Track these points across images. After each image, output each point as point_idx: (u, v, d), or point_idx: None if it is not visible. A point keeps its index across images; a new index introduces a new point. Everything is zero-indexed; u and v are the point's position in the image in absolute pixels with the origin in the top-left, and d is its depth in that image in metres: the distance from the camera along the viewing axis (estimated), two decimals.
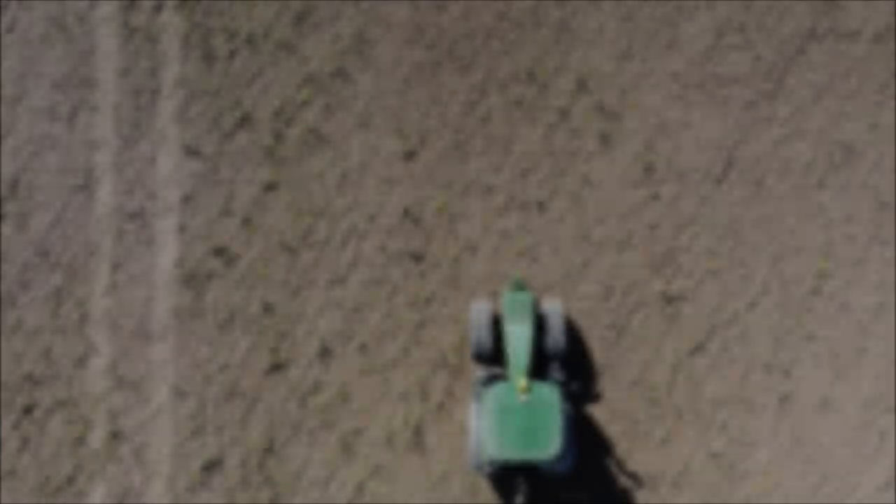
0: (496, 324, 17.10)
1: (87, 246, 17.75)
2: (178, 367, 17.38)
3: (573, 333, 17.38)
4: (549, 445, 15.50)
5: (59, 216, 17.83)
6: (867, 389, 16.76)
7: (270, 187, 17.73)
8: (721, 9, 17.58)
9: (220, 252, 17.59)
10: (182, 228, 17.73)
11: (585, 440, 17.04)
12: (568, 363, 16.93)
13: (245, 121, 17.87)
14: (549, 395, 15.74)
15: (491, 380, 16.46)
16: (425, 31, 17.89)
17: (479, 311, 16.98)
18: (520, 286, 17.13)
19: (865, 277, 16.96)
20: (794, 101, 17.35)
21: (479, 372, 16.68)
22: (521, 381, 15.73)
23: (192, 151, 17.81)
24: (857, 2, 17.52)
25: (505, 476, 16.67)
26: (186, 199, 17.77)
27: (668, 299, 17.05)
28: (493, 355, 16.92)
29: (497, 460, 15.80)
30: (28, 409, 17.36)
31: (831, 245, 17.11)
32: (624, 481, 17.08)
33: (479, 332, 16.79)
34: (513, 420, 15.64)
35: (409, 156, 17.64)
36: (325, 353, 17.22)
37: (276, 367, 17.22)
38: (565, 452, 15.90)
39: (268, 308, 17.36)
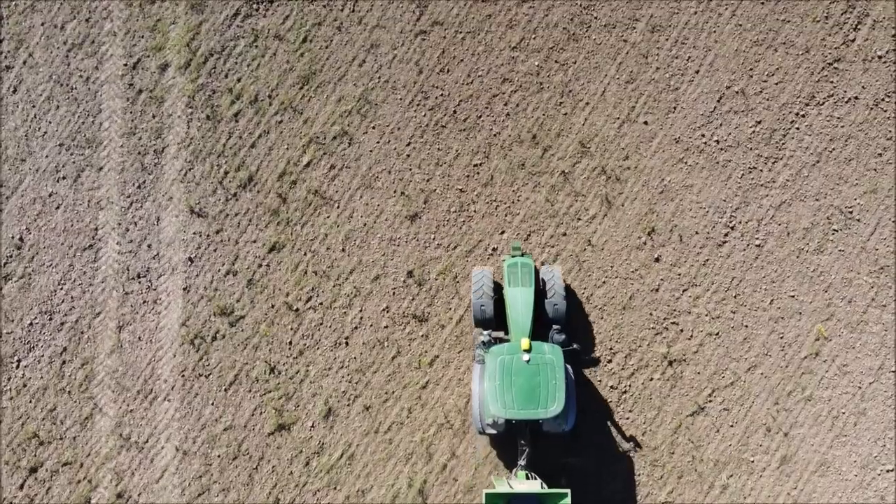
0: (497, 290, 19.34)
1: (92, 306, 19.84)
2: (183, 428, 19.43)
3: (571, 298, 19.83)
4: (551, 404, 17.91)
5: (64, 276, 19.91)
6: (866, 451, 18.87)
7: (275, 248, 19.82)
8: (722, 74, 19.66)
9: (224, 312, 19.65)
10: (187, 289, 19.81)
11: (583, 405, 19.54)
12: (567, 327, 19.34)
13: (250, 182, 19.97)
14: (551, 355, 18.17)
15: (493, 343, 18.75)
16: (429, 94, 20.04)
17: (481, 277, 19.36)
18: (520, 252, 19.33)
19: (864, 340, 19.10)
20: (794, 166, 19.53)
21: (482, 336, 18.96)
22: (524, 341, 17.97)
23: (196, 212, 19.88)
24: (856, 68, 19.55)
25: (507, 437, 18.94)
26: (191, 260, 19.84)
27: (670, 361, 19.07)
28: (495, 321, 19.36)
29: (501, 420, 18.14)
30: (33, 470, 19.46)
31: (831, 308, 19.11)
32: (622, 445, 19.36)
33: (481, 298, 19.06)
34: (516, 380, 18.06)
35: (413, 217, 19.74)
36: (329, 414, 19.29)
37: (281, 428, 19.25)
38: (567, 412, 18.29)
39: (272, 369, 19.43)
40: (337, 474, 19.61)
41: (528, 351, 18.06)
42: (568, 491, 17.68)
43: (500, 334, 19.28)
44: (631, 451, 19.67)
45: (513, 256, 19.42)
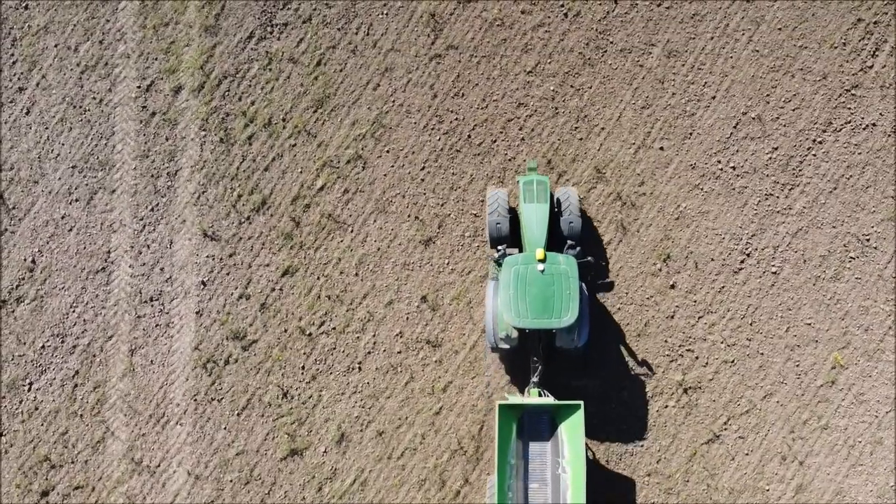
0: (512, 212, 20.41)
1: (104, 329, 20.56)
2: (195, 452, 20.15)
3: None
4: (565, 314, 18.78)
5: (76, 299, 20.62)
6: (882, 481, 19.60)
7: (288, 272, 20.51)
8: (738, 100, 20.33)
9: (237, 336, 20.35)
10: (200, 312, 20.53)
11: (595, 329, 20.40)
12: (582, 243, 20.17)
13: (263, 205, 20.68)
14: (566, 266, 19.08)
15: (508, 255, 19.65)
16: (444, 118, 20.75)
17: (496, 197, 20.33)
18: (536, 172, 20.42)
19: (881, 369, 19.78)
20: (811, 193, 20.17)
21: (496, 252, 19.91)
22: (539, 252, 19.01)
23: (209, 235, 20.59)
24: (873, 94, 20.20)
25: (520, 357, 19.87)
26: (204, 283, 20.54)
27: (685, 389, 19.71)
28: (510, 239, 20.29)
29: (514, 334, 19.05)
30: (45, 493, 20.24)
31: (847, 336, 19.77)
32: (634, 369, 20.25)
33: (497, 217, 20.11)
34: (530, 289, 18.93)
35: (427, 242, 20.47)
36: (342, 439, 20.01)
37: (294, 453, 19.96)
38: (580, 325, 19.31)
39: (285, 393, 20.13)
40: (349, 500, 20.27)
41: (543, 261, 18.92)
42: (581, 403, 18.67)
43: (515, 251, 20.02)
44: (643, 375, 20.39)
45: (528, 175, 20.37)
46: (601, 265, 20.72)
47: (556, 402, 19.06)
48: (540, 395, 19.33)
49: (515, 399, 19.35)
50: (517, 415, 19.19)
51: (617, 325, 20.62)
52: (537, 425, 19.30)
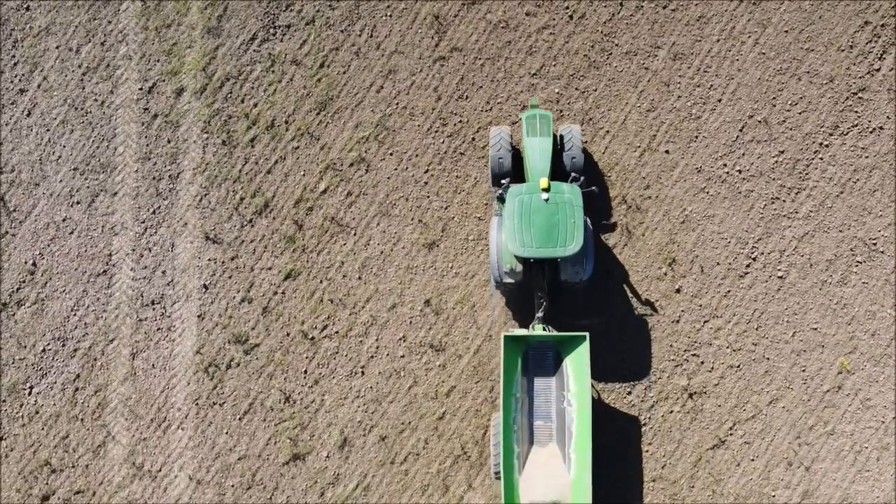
0: (516, 150, 20.88)
1: (105, 333, 20.81)
2: (197, 457, 20.40)
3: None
4: (569, 242, 19.22)
5: (77, 302, 20.88)
6: (889, 487, 19.83)
7: (291, 275, 20.77)
8: (744, 103, 20.58)
9: (239, 340, 20.61)
10: (201, 316, 20.80)
11: (598, 268, 20.84)
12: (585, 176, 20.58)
13: (265, 208, 20.93)
14: (570, 195, 19.49)
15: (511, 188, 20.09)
16: (448, 120, 21.04)
17: (500, 135, 20.78)
18: (538, 108, 20.88)
19: (888, 374, 20.05)
20: (817, 197, 20.42)
21: (500, 189, 20.28)
22: (543, 181, 19.47)
23: (211, 238, 20.84)
24: (880, 98, 20.46)
25: (524, 294, 20.21)
26: (206, 287, 20.80)
27: (690, 394, 19.97)
28: (512, 175, 20.73)
29: (518, 267, 19.42)
30: (45, 498, 20.51)
31: (854, 341, 20.02)
32: (638, 308, 20.68)
33: (500, 152, 20.51)
34: (534, 218, 19.39)
35: (431, 246, 20.73)
36: (344, 444, 20.27)
37: (296, 458, 20.22)
38: (585, 258, 19.64)
39: (287, 398, 20.37)
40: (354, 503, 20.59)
41: (547, 190, 19.32)
42: (586, 334, 19.10)
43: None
44: (648, 315, 20.70)
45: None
46: (599, 197, 21.04)
47: (562, 333, 19.49)
48: (545, 330, 19.69)
49: (520, 331, 19.71)
50: (522, 349, 19.55)
51: (621, 266, 20.95)
52: (542, 361, 19.66)
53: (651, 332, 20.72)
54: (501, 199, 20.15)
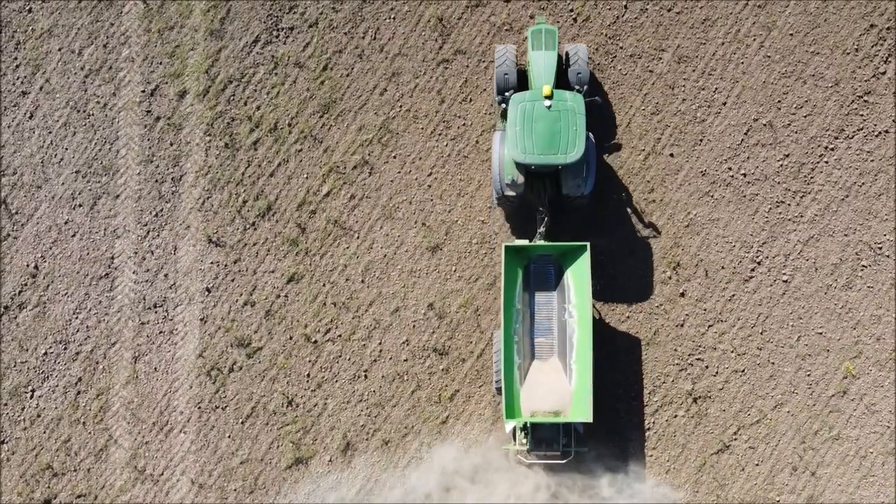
0: (521, 70, 21.29)
1: (107, 336, 21.17)
2: (199, 461, 20.78)
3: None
4: (571, 150, 19.67)
5: (79, 305, 21.25)
6: (893, 492, 19.88)
7: (294, 279, 21.13)
8: (749, 106, 20.89)
9: (242, 344, 20.99)
10: (204, 319, 21.16)
11: (600, 189, 21.24)
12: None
13: (268, 211, 21.30)
14: (573, 102, 19.95)
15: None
16: (451, 123, 21.38)
17: (505, 52, 21.21)
18: (545, 23, 21.30)
19: (892, 379, 20.34)
20: (823, 201, 20.76)
21: (503, 104, 20.75)
22: (546, 88, 19.92)
23: (214, 241, 21.21)
24: (886, 101, 20.76)
25: (526, 204, 20.75)
26: (208, 290, 21.16)
27: (695, 398, 20.28)
28: (517, 89, 20.97)
29: (520, 179, 19.77)
30: (47, 502, 21.01)
31: (859, 346, 20.35)
32: (640, 229, 21.33)
33: (504, 68, 20.95)
34: (536, 125, 19.82)
35: (434, 249, 21.07)
36: (347, 448, 20.47)
37: (299, 462, 20.64)
38: (587, 172, 20.03)
39: (290, 401, 20.76)
40: None
41: (550, 97, 19.74)
42: (587, 244, 19.61)
43: None
44: (649, 236, 21.15)
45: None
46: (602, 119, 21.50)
47: (563, 243, 20.02)
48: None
49: (522, 241, 20.23)
50: (523, 263, 20.07)
51: (625, 187, 21.36)
52: (543, 275, 20.20)
53: (655, 346, 21.07)
54: (504, 116, 20.53)
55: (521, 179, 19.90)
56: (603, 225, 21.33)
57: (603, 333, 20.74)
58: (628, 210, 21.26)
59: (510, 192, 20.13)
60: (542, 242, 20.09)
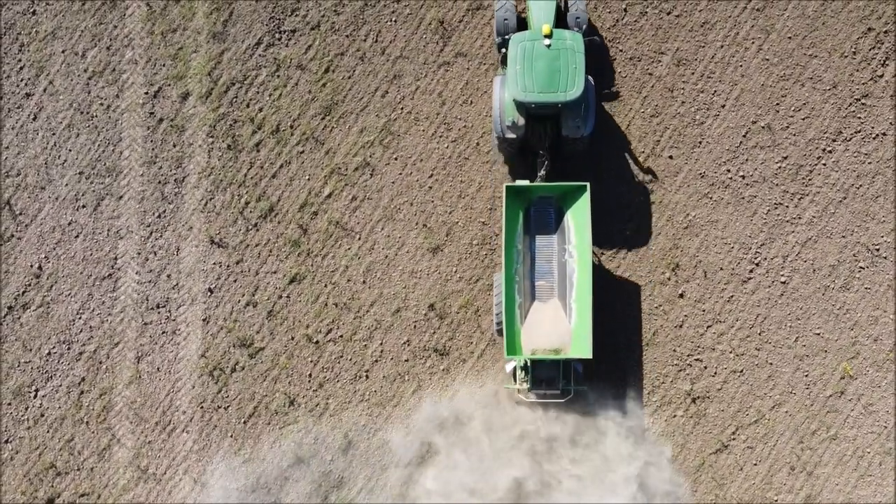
0: (521, 19, 21.78)
1: (110, 336, 21.53)
2: (201, 460, 21.05)
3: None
4: (570, 88, 20.13)
5: (82, 305, 21.60)
6: (891, 492, 20.50)
7: (295, 279, 21.51)
8: (748, 108, 21.26)
9: (244, 344, 21.35)
10: (206, 320, 21.51)
11: (600, 134, 21.78)
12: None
13: (270, 212, 21.67)
14: (572, 41, 20.47)
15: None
16: (452, 125, 21.72)
17: (503, 4, 21.44)
18: None
19: (890, 379, 20.80)
20: (821, 202, 21.13)
21: (503, 48, 21.18)
22: (545, 27, 20.44)
23: (217, 242, 21.59)
24: (883, 104, 21.13)
25: (527, 147, 21.29)
26: (211, 290, 21.52)
27: (693, 398, 20.65)
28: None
29: (521, 121, 20.22)
30: (50, 501, 21.34)
31: (856, 346, 20.72)
32: (638, 176, 21.79)
33: (504, 13, 21.36)
34: (536, 64, 20.28)
35: (435, 250, 21.43)
36: (348, 447, 20.80)
37: (300, 461, 20.76)
38: (586, 113, 20.49)
39: (292, 401, 21.10)
40: None
41: (549, 36, 20.24)
42: (587, 184, 20.14)
43: None
44: (647, 182, 21.62)
45: None
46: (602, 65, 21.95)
47: (563, 184, 20.55)
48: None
49: (523, 182, 20.75)
50: (524, 205, 20.61)
51: (623, 134, 21.84)
52: (544, 218, 20.74)
53: (654, 347, 21.45)
54: (504, 61, 20.98)
55: (521, 121, 20.50)
56: (602, 170, 21.78)
57: (602, 278, 21.33)
58: (627, 156, 21.71)
59: (511, 135, 20.71)
60: (542, 184, 20.70)
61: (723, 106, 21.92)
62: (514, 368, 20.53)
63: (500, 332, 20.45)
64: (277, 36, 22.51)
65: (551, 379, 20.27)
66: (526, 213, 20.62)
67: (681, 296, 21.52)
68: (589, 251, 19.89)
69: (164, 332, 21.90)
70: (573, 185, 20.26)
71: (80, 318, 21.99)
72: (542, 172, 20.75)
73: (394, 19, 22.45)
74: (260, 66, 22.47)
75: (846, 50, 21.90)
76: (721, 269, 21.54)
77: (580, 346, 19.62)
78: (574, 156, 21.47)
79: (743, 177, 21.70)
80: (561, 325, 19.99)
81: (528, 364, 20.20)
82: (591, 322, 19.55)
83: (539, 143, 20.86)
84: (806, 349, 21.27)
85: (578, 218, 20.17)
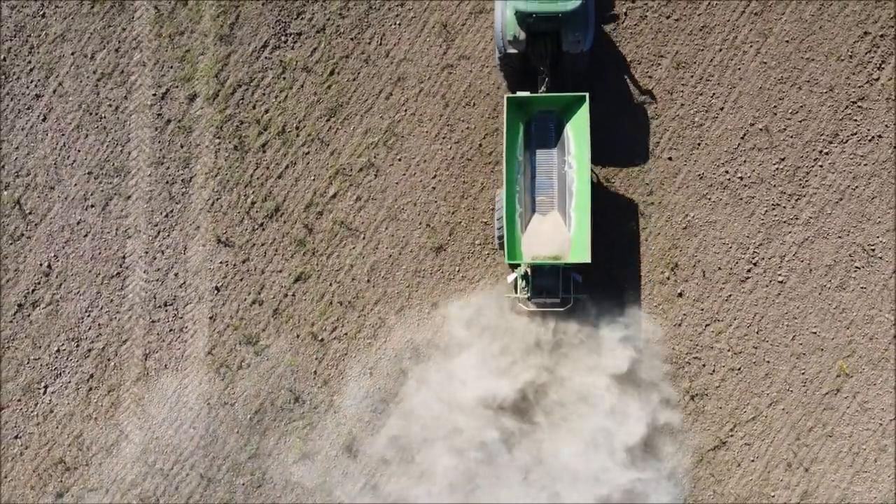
0: None
1: (119, 333, 22.11)
2: (208, 456, 21.70)
3: None
4: None
5: (91, 303, 22.19)
6: (886, 488, 21.10)
7: (301, 278, 22.07)
8: (746, 111, 21.85)
9: (250, 341, 21.94)
10: (213, 318, 22.11)
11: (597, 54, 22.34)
12: None
13: (276, 212, 22.25)
14: None
15: None
16: (455, 127, 22.31)
17: None
18: None
19: (886, 377, 21.35)
20: (817, 203, 21.69)
21: None
22: None
23: (223, 241, 22.16)
24: (879, 107, 21.71)
25: (528, 66, 21.81)
26: (218, 289, 22.09)
27: (692, 396, 21.22)
28: None
29: (521, 35, 20.72)
30: (59, 495, 21.81)
31: (852, 345, 21.28)
32: (636, 96, 22.47)
33: None
34: None
35: (439, 250, 21.98)
36: (353, 443, 21.34)
37: (305, 457, 21.40)
38: (586, 28, 20.98)
39: (297, 398, 21.65)
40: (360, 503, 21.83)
41: None
42: (586, 94, 20.84)
43: None
44: (646, 102, 22.26)
45: None
46: None
47: (562, 94, 21.22)
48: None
49: (523, 93, 21.42)
50: (524, 118, 21.32)
51: (622, 56, 22.44)
52: (544, 132, 21.45)
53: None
54: None
55: (522, 36, 21.13)
56: (601, 88, 22.35)
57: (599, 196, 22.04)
58: (625, 76, 22.31)
59: (512, 50, 21.34)
60: (543, 94, 21.37)
61: (721, 108, 22.47)
62: (516, 279, 21.23)
63: (501, 245, 21.13)
64: (283, 39, 23.07)
65: (551, 288, 20.91)
66: (527, 129, 21.38)
67: (679, 295, 22.09)
68: (588, 161, 20.64)
69: (171, 330, 22.49)
70: (572, 95, 21.00)
71: (88, 315, 22.58)
72: (543, 88, 21.50)
73: (398, 23, 23.00)
74: (266, 69, 23.03)
75: (843, 53, 22.42)
76: (719, 268, 22.11)
77: (579, 252, 20.38)
78: (574, 74, 22.06)
79: (741, 178, 22.27)
80: (560, 234, 20.76)
81: (529, 274, 20.88)
82: (589, 229, 20.27)
83: (540, 59, 21.53)
84: (803, 347, 21.83)
85: (578, 129, 20.94)
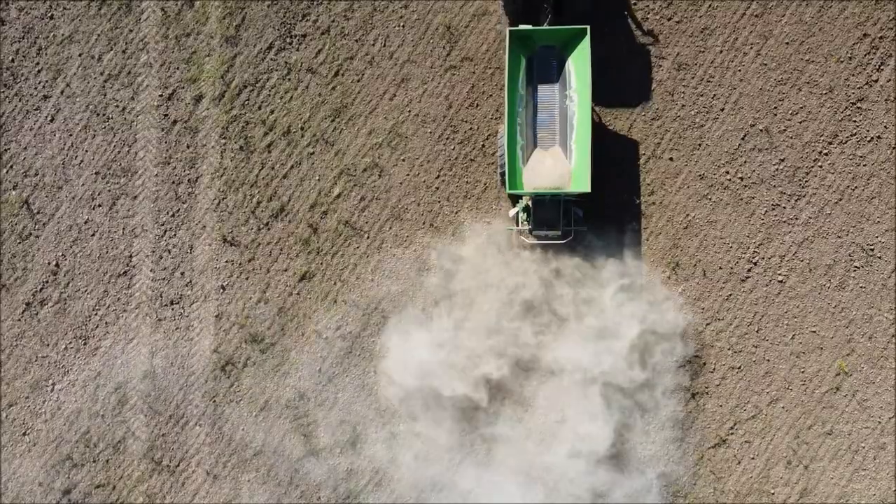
0: None
1: (125, 332, 22.42)
2: (214, 452, 22.12)
3: None
4: None
5: (98, 302, 22.59)
6: (885, 486, 21.45)
7: (306, 277, 22.46)
8: (746, 112, 22.19)
9: (255, 340, 22.31)
10: (219, 316, 22.49)
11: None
12: None
13: (281, 212, 22.62)
14: None
15: None
16: (458, 128, 22.68)
17: None
18: None
19: (884, 376, 21.67)
20: (817, 204, 22.03)
21: None
22: None
23: (229, 241, 22.55)
24: (878, 108, 22.04)
25: (530, 11, 22.20)
26: (223, 288, 22.47)
27: (693, 393, 21.59)
28: None
29: None
30: (67, 492, 22.20)
31: (851, 344, 21.63)
32: (638, 37, 22.77)
33: None
34: None
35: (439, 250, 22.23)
36: (357, 440, 21.76)
37: (310, 454, 21.76)
38: None
39: (302, 395, 22.01)
40: (365, 498, 22.21)
41: None
42: (587, 27, 21.28)
43: None
44: (650, 44, 22.58)
45: None
46: None
47: (564, 27, 21.62)
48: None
49: (525, 26, 21.85)
50: (526, 53, 21.73)
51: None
52: (546, 68, 21.87)
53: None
54: None
55: None
56: (603, 28, 22.63)
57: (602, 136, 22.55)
58: (626, 16, 22.67)
59: None
60: (545, 27, 21.79)
61: (722, 109, 22.79)
62: (517, 213, 21.74)
63: (503, 181, 21.57)
64: (288, 40, 23.42)
65: (552, 221, 21.40)
66: (529, 65, 21.77)
67: (681, 294, 22.47)
68: (589, 95, 21.04)
69: (177, 328, 22.89)
70: (574, 28, 21.38)
71: (95, 314, 23.00)
72: (546, 24, 21.90)
73: (402, 24, 23.34)
74: (271, 70, 23.39)
75: (842, 55, 22.72)
76: (720, 268, 22.46)
77: (580, 181, 20.84)
78: (575, 14, 22.38)
79: (741, 178, 22.61)
80: (561, 166, 21.19)
81: (530, 207, 21.38)
82: (590, 160, 20.69)
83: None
84: (802, 346, 22.17)
85: (579, 63, 21.33)
